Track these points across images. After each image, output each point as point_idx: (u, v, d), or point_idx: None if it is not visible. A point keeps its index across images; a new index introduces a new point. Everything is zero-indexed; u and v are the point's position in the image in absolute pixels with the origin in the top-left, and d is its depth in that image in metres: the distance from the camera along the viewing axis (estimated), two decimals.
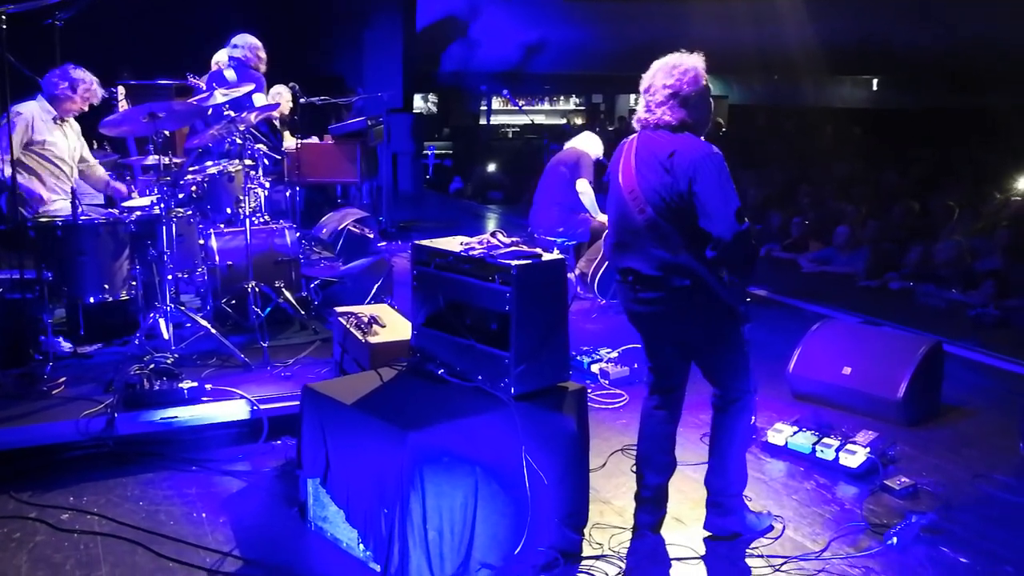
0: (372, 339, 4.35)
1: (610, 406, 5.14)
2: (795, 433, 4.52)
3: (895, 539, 3.62)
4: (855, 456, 4.28)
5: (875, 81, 19.78)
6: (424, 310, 3.74)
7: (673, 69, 3.34)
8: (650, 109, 3.37)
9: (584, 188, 7.22)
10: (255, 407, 4.40)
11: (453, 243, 3.65)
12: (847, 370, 5.10)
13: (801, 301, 7.67)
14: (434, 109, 20.57)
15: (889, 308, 7.57)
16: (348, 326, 4.58)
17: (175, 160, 5.19)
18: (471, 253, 3.50)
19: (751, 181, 12.33)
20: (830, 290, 8.35)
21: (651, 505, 3.67)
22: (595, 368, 5.62)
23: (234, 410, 4.42)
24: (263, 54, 6.65)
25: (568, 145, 7.65)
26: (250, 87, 5.75)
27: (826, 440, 4.42)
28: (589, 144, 7.52)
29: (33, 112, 5.37)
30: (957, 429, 4.93)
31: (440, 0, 16.57)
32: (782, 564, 3.50)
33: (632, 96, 27.01)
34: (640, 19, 17.07)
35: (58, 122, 5.50)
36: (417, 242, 3.74)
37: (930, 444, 4.70)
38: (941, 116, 17.89)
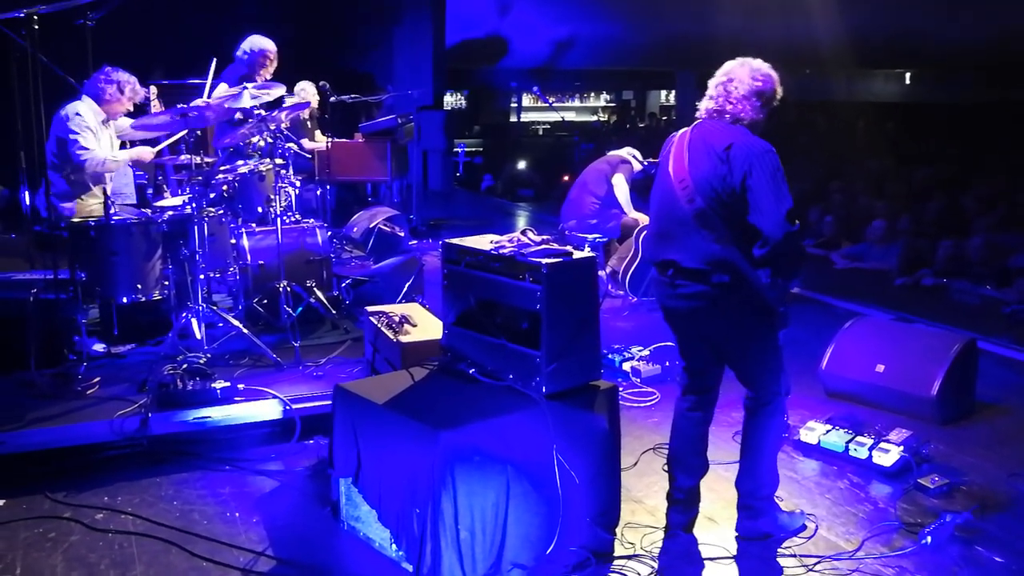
0: (403, 338, 4.38)
1: (642, 404, 5.13)
2: (828, 431, 4.48)
3: (929, 539, 3.58)
4: (889, 455, 4.23)
5: (908, 75, 19.54)
6: (455, 309, 3.75)
7: (760, 70, 3.42)
8: (728, 99, 3.38)
9: (619, 182, 7.23)
10: (287, 407, 4.44)
11: (483, 241, 3.65)
12: (880, 368, 5.05)
13: (834, 298, 7.60)
14: (464, 106, 20.60)
15: (922, 305, 7.50)
16: (379, 325, 4.60)
17: (207, 159, 5.24)
18: (501, 251, 3.50)
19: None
20: (863, 287, 8.28)
21: (683, 505, 3.67)
22: (627, 366, 5.61)
23: (267, 410, 4.46)
24: (270, 60, 6.49)
25: (612, 152, 7.67)
26: (281, 90, 5.78)
27: (859, 438, 4.38)
28: (632, 154, 7.57)
29: (89, 114, 5.46)
30: (992, 427, 4.87)
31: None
32: (815, 564, 3.48)
33: (663, 92, 26.90)
34: (670, 13, 16.97)
35: (105, 124, 5.60)
36: (447, 240, 3.75)
37: (964, 442, 4.64)
38: (975, 110, 17.65)
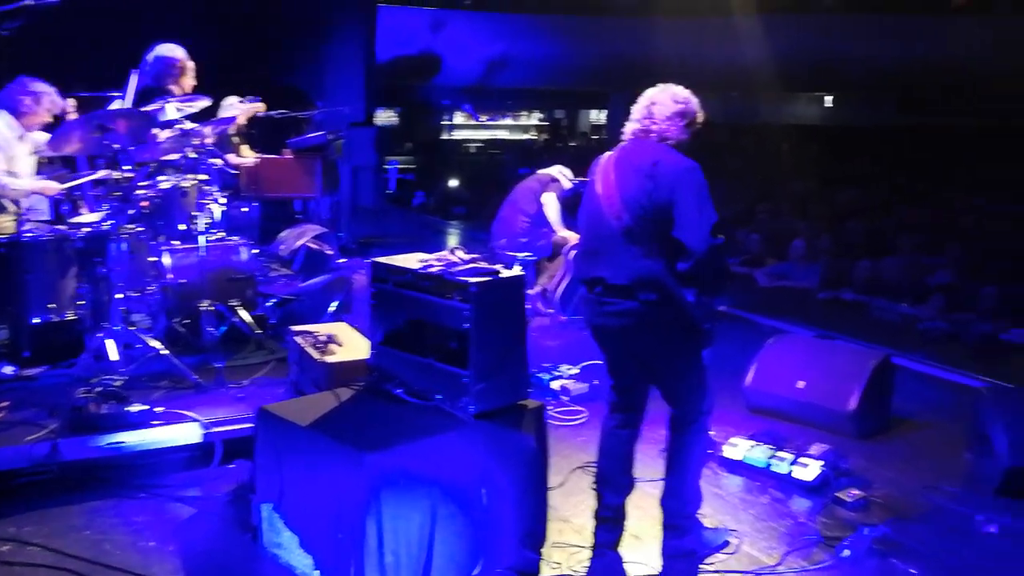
0: (329, 358, 4.32)
1: (570, 423, 5.15)
2: (751, 447, 4.56)
3: (847, 552, 3.67)
4: (809, 469, 4.33)
5: (829, 99, 20.14)
6: (382, 328, 3.72)
7: (680, 94, 3.55)
8: (653, 120, 3.49)
9: (550, 201, 7.25)
10: (208, 430, 4.32)
11: (411, 260, 3.64)
12: (801, 384, 5.16)
13: (758, 315, 7.74)
14: (397, 123, 20.54)
15: (843, 321, 7.70)
16: (304, 345, 4.54)
17: (126, 175, 5.09)
18: (429, 270, 3.50)
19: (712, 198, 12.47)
20: (786, 304, 8.46)
21: (610, 524, 3.67)
22: (556, 385, 5.62)
23: (185, 433, 4.33)
24: (178, 69, 6.15)
25: (541, 171, 7.68)
26: (205, 102, 5.67)
27: (781, 454, 4.47)
28: (562, 173, 7.59)
29: (3, 129, 5.27)
30: (907, 441, 5.01)
31: (403, 14, 16.55)
32: None
33: (595, 111, 27.22)
34: (604, 35, 17.22)
35: (22, 139, 5.41)
36: (375, 259, 3.73)
37: (881, 456, 4.77)
38: (893, 134, 18.27)
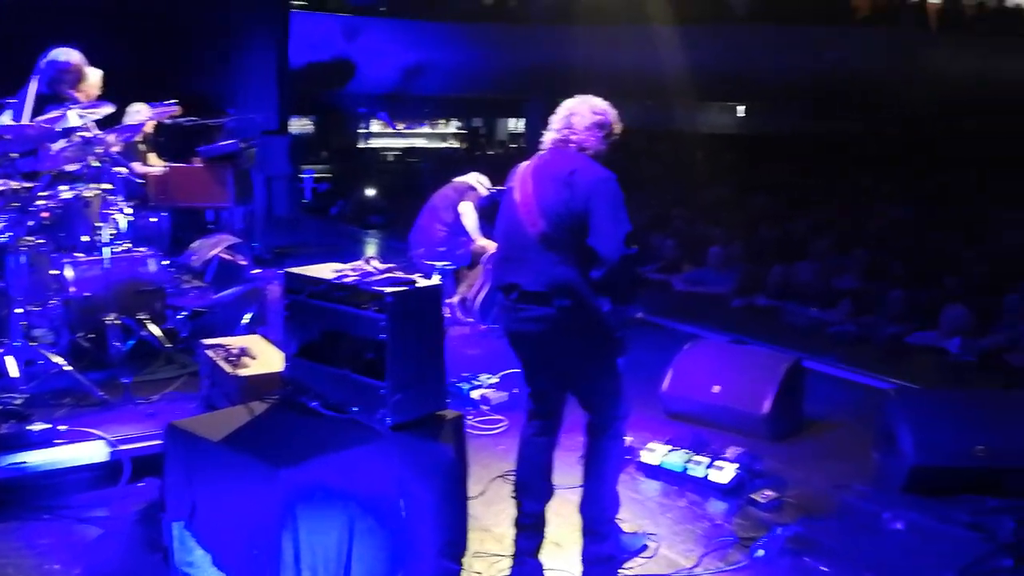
0: (242, 372, 4.22)
1: (490, 432, 5.14)
2: (668, 452, 4.63)
3: (762, 551, 3.75)
4: (724, 472, 4.41)
5: (741, 108, 20.66)
6: (297, 340, 3.65)
7: (599, 105, 3.59)
8: (572, 130, 3.53)
9: (466, 210, 7.20)
10: (115, 448, 4.19)
11: (326, 270, 3.59)
12: (716, 388, 5.25)
13: (674, 321, 7.87)
14: (312, 131, 20.27)
15: (757, 326, 7.86)
16: (216, 358, 4.42)
17: (25, 185, 4.89)
18: (344, 280, 3.45)
19: (628, 205, 12.64)
20: (702, 310, 8.61)
21: (530, 531, 3.68)
22: (475, 394, 5.61)
23: (91, 452, 4.19)
24: (71, 74, 5.80)
25: (457, 179, 7.63)
26: (108, 109, 5.48)
27: (697, 458, 4.54)
28: (478, 180, 7.56)
29: None
30: (819, 442, 5.15)
31: (317, 20, 16.36)
32: None
33: (513, 120, 27.35)
34: (521, 43, 17.32)
35: None
36: (288, 270, 3.66)
37: (794, 457, 4.88)
38: (803, 141, 18.82)
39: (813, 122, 19.25)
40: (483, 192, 7.39)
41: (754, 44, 16.78)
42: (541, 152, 3.62)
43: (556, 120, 3.58)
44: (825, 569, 3.70)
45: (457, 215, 7.24)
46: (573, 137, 3.52)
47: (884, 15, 16.64)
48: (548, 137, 3.59)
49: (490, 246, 7.12)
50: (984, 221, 11.65)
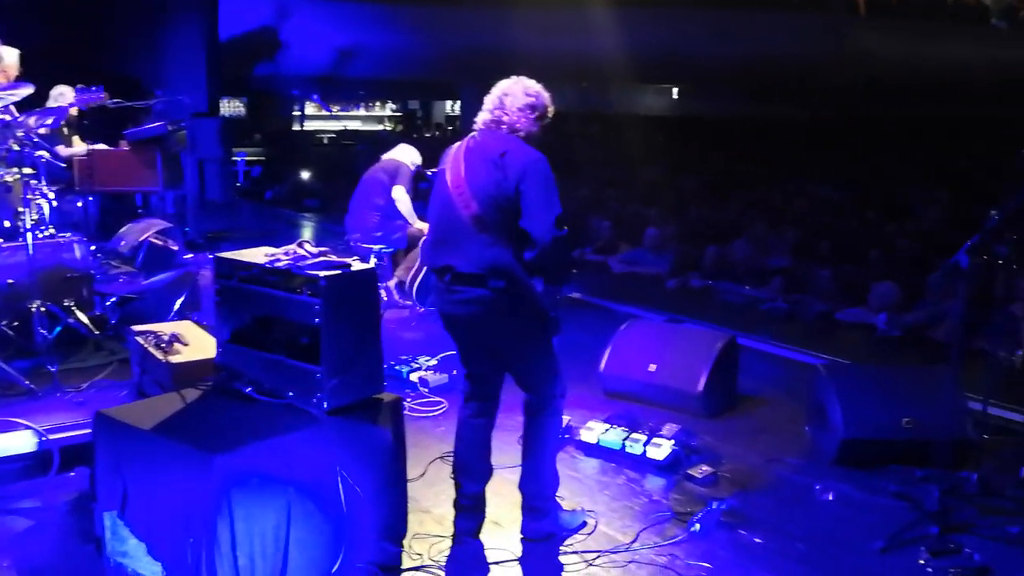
0: (173, 358, 4.14)
1: (430, 414, 5.14)
2: (606, 430, 4.67)
3: (698, 526, 3.82)
4: (661, 449, 4.48)
5: (675, 90, 20.85)
6: (229, 325, 3.59)
7: (532, 87, 3.57)
8: (504, 111, 3.50)
9: (400, 195, 7.15)
10: (43, 437, 4.08)
11: (258, 254, 3.52)
12: (653, 367, 5.32)
13: (612, 302, 7.95)
14: (244, 113, 19.86)
15: (692, 305, 7.98)
16: (147, 345, 4.33)
17: None
18: (277, 265, 3.39)
19: (563, 186, 12.70)
20: (639, 290, 8.70)
21: (470, 512, 3.71)
22: (414, 377, 5.59)
23: (18, 442, 4.08)
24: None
25: (386, 156, 7.55)
26: (27, 90, 5.29)
27: (635, 435, 4.60)
28: (407, 155, 7.47)
29: None
30: (752, 417, 5.25)
31: (247, 1, 16.01)
32: (595, 558, 3.61)
33: (449, 102, 27.19)
34: (457, 25, 17.20)
35: None
36: (218, 255, 3.59)
37: (728, 433, 4.98)
38: (736, 123, 19.09)
39: (747, 104, 19.53)
40: (412, 165, 7.32)
41: (688, 27, 16.94)
42: (473, 134, 3.60)
43: (489, 101, 3.57)
44: (759, 541, 3.79)
45: (390, 199, 7.18)
46: (505, 118, 3.51)
47: (816, 0, 16.94)
48: (481, 118, 3.58)
49: (426, 228, 7.09)
50: (910, 200, 11.98)
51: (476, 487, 3.70)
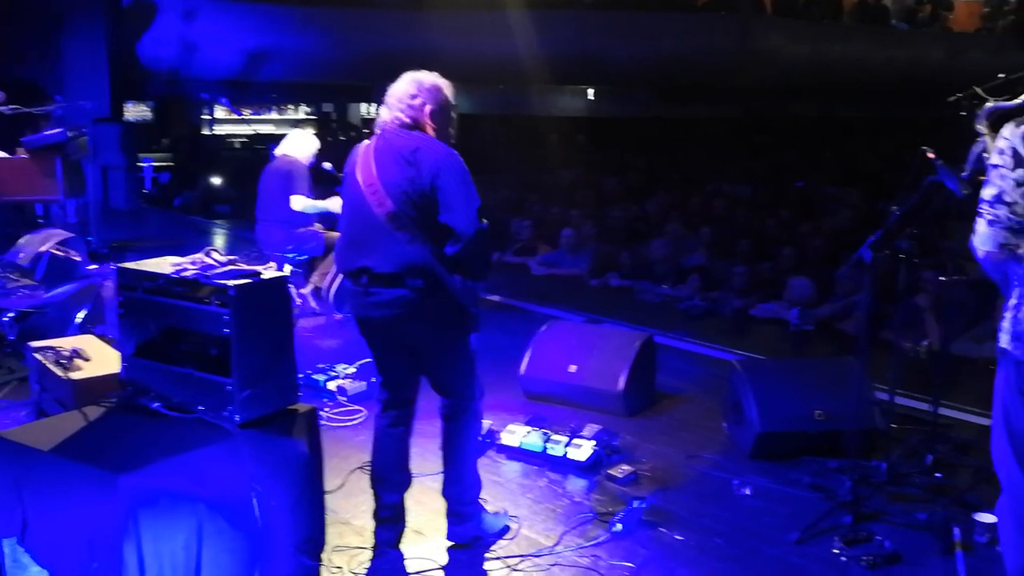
0: (74, 375, 3.97)
1: (348, 423, 5.06)
2: (528, 433, 4.67)
3: (620, 525, 3.83)
4: (582, 450, 4.49)
5: (591, 92, 21.03)
6: (134, 339, 3.45)
7: (423, 81, 3.50)
8: (401, 110, 3.43)
9: (300, 205, 6.76)
10: None
11: (164, 264, 3.40)
12: (573, 368, 5.34)
13: (532, 304, 7.96)
14: (151, 118, 19.30)
15: (611, 305, 8.04)
16: (46, 362, 4.14)
17: None
18: (184, 274, 3.28)
19: (482, 189, 12.66)
20: (559, 291, 8.73)
21: (390, 523, 3.66)
22: (332, 386, 5.50)
23: None
24: None
25: (279, 151, 7.13)
26: None
27: (556, 437, 4.60)
28: (298, 147, 7.04)
29: None
30: (672, 415, 5.31)
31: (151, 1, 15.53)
32: (518, 563, 3.60)
33: (364, 105, 26.90)
34: (370, 27, 16.98)
35: None
36: (121, 265, 3.45)
37: (649, 431, 5.02)
38: (650, 125, 19.37)
39: (658, 106, 19.79)
40: (305, 159, 7.00)
41: (602, 29, 17.08)
42: (378, 133, 3.52)
43: (390, 100, 3.50)
44: (680, 538, 3.83)
45: (289, 207, 6.83)
46: (409, 115, 3.44)
47: (724, 1, 17.29)
48: (384, 116, 3.49)
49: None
50: (818, 198, 12.31)
51: (395, 497, 3.66)
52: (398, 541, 3.67)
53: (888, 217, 3.97)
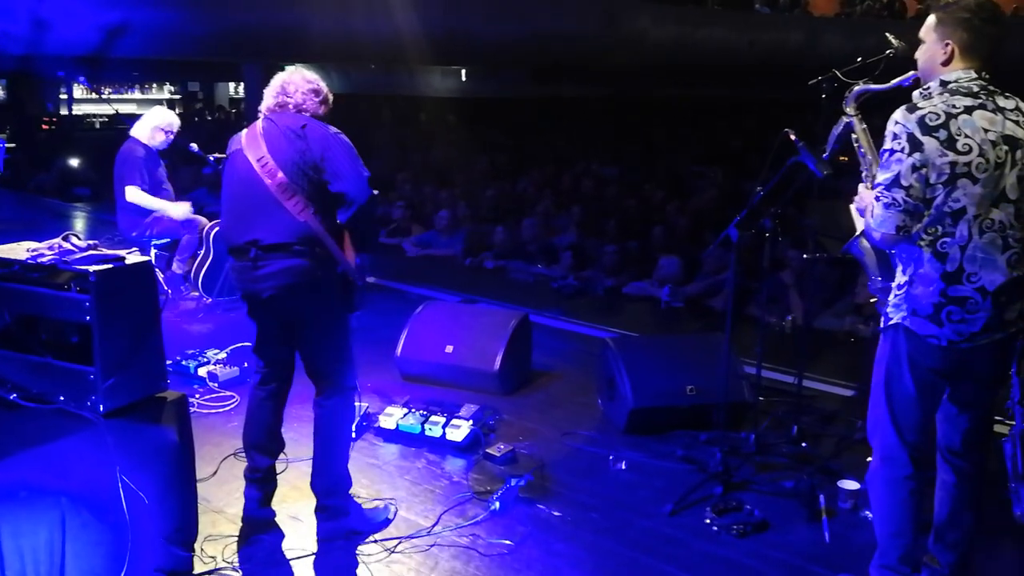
0: None
1: (220, 410, 4.93)
2: (405, 415, 4.66)
3: (497, 504, 3.88)
4: (460, 430, 4.52)
5: (463, 72, 20.99)
6: None
7: (311, 75, 3.64)
8: (288, 95, 3.55)
9: (135, 197, 6.45)
10: None
11: (19, 250, 3.24)
12: (449, 348, 5.36)
13: (407, 285, 7.93)
14: (3, 97, 18.17)
15: (486, 285, 8.10)
16: None
17: None
18: (40, 260, 3.13)
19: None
20: (433, 272, 8.73)
21: (260, 483, 3.72)
22: (203, 371, 5.34)
23: None
24: None
25: (133, 131, 6.72)
26: None
27: (433, 418, 4.62)
28: (146, 128, 6.67)
29: None
30: (547, 392, 5.41)
31: None
32: (396, 545, 3.60)
33: (232, 84, 26.01)
34: (237, 2, 16.43)
35: None
36: None
37: (524, 409, 5.10)
38: (522, 105, 19.52)
39: (528, 86, 19.94)
40: (149, 139, 6.68)
41: (474, 9, 17.05)
42: (261, 118, 3.58)
43: (271, 90, 3.59)
44: (557, 514, 3.91)
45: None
46: (291, 100, 3.54)
47: None
48: (266, 104, 3.58)
49: (186, 209, 6.63)
50: (684, 178, 12.72)
51: (267, 461, 3.71)
52: (268, 500, 3.72)
53: (752, 196, 4.13)
